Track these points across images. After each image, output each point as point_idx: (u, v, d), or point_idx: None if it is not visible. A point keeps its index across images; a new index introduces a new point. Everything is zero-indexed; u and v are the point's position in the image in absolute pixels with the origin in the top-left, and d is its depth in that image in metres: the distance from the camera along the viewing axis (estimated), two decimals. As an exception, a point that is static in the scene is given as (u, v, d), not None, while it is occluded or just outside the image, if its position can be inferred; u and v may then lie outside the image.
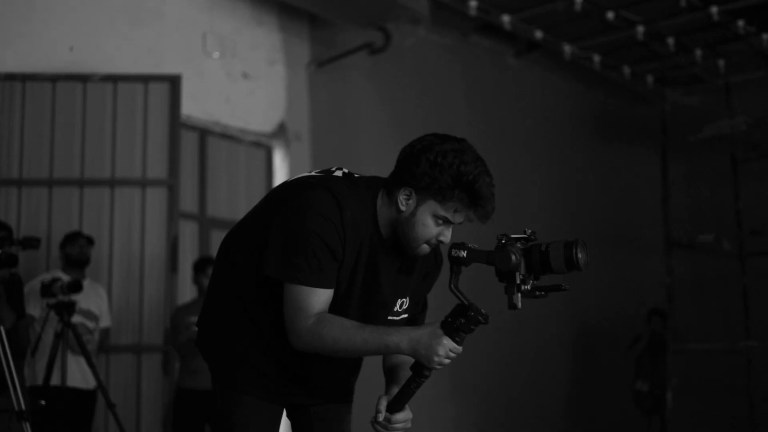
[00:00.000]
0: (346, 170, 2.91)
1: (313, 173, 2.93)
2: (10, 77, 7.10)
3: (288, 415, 3.10)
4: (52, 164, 7.15)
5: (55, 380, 6.27)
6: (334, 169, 2.91)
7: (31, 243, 5.77)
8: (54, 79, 7.20)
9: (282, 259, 2.72)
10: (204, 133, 8.47)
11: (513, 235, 2.70)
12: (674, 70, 10.39)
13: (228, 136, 8.63)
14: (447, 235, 2.79)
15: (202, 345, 3.04)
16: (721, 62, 10.21)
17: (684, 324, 10.10)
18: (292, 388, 2.95)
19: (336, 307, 2.78)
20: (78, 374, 6.48)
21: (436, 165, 2.68)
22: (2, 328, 5.46)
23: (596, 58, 10.11)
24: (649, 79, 10.71)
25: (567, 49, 9.84)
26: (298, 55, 9.07)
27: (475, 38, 10.60)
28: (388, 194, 2.81)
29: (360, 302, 2.85)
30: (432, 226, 2.76)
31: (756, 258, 10.36)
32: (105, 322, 6.82)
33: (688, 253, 10.07)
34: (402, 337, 2.66)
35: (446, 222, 2.76)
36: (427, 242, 2.79)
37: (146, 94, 7.33)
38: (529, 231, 2.72)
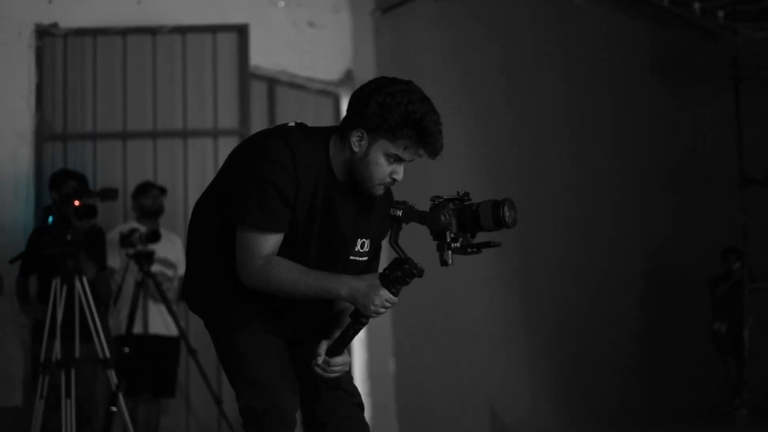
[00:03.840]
0: (299, 122, 3.09)
1: (269, 128, 3.14)
2: (81, 32, 7.17)
3: None
4: (125, 117, 7.22)
5: (137, 329, 6.41)
6: (289, 122, 3.09)
7: (109, 194, 5.86)
8: (124, 32, 7.26)
9: (235, 205, 2.93)
10: (272, 82, 8.49)
11: (446, 196, 2.85)
12: (745, 5, 10.16)
13: (296, 85, 8.65)
14: (399, 173, 2.95)
15: (192, 302, 3.18)
16: (794, -5, 9.98)
17: (759, 262, 9.97)
18: (284, 323, 3.07)
19: (297, 247, 2.96)
20: (160, 322, 6.60)
21: (384, 105, 2.84)
22: (85, 279, 5.59)
23: (665, -6, 9.94)
24: (720, 14, 10.49)
25: (636, -14, 9.68)
26: (362, 2, 9.02)
27: (541, -21, 10.47)
28: (341, 138, 2.98)
29: (320, 241, 3.00)
30: (384, 164, 2.91)
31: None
32: (183, 269, 6.93)
33: (763, 190, 9.92)
34: (342, 285, 2.88)
35: (398, 159, 2.92)
36: (382, 181, 2.95)
37: (215, 45, 7.36)
38: (462, 192, 2.86)
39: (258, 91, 8.24)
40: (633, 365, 10.83)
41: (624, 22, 11.22)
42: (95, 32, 7.20)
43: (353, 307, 2.94)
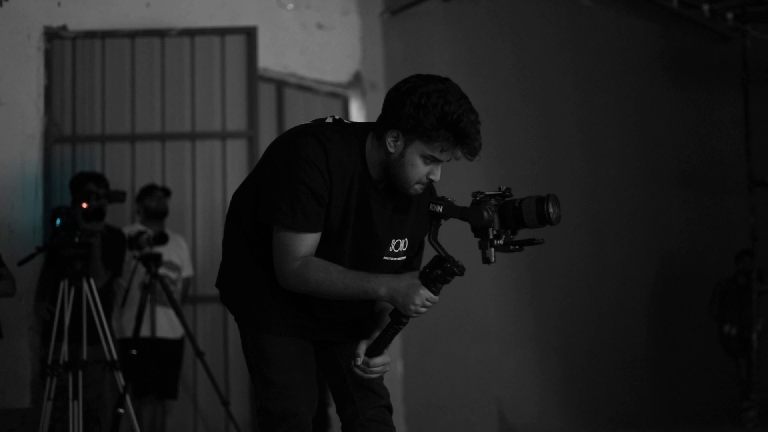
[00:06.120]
0: (337, 117, 3.02)
1: (306, 123, 3.06)
2: (90, 35, 7.18)
3: (315, 355, 3.18)
4: (134, 119, 7.24)
5: (144, 331, 6.41)
6: (327, 117, 3.03)
7: (117, 196, 5.90)
8: (132, 35, 7.27)
9: (270, 206, 2.89)
10: (280, 84, 8.50)
11: (488, 192, 2.82)
12: (755, 6, 10.13)
13: (304, 88, 8.65)
14: (437, 174, 2.90)
15: (224, 295, 3.18)
16: (804, -4, 9.95)
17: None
18: (314, 324, 3.06)
19: (331, 246, 2.94)
20: (166, 325, 6.61)
21: (420, 107, 2.78)
22: (92, 282, 5.60)
23: (674, -4, 9.92)
24: (729, 16, 10.47)
25: (645, -13, 9.66)
26: (371, 4, 9.02)
27: (550, -20, 10.46)
28: (377, 137, 2.91)
29: (353, 241, 2.96)
30: (421, 165, 2.86)
31: (843, 196, 10.13)
32: (187, 271, 6.94)
33: (771, 193, 9.89)
34: (381, 285, 2.83)
35: (434, 161, 2.86)
36: (419, 182, 2.90)
37: (223, 47, 7.36)
38: (504, 187, 2.83)
39: (266, 93, 8.26)
40: (643, 367, 10.81)
41: (634, 24, 11.22)
42: (104, 35, 7.22)
43: (393, 307, 2.91)
